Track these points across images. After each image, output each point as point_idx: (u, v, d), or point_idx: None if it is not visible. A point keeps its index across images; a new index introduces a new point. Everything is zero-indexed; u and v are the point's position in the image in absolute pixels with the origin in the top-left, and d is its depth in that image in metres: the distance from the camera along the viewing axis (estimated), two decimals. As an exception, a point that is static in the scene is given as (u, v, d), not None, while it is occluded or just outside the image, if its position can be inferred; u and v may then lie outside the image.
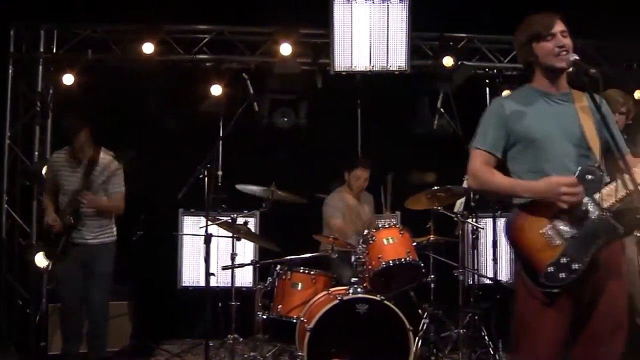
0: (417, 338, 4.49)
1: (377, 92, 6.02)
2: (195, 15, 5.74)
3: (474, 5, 5.72)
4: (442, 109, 4.96)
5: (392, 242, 4.29)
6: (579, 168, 2.41)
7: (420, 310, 4.78)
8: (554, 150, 2.46)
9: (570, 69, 2.52)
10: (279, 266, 4.54)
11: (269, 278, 4.58)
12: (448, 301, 4.85)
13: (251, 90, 4.56)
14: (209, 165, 4.23)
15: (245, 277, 5.59)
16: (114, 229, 4.48)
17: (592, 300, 2.39)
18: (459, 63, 5.65)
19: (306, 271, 4.45)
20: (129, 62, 5.52)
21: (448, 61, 5.62)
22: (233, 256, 4.55)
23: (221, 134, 5.34)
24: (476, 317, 4.74)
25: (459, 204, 4.74)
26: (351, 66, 5.57)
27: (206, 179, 4.23)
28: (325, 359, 3.90)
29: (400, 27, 5.53)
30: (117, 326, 4.99)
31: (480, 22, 5.87)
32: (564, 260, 2.35)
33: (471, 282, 4.95)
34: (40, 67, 5.69)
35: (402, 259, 4.21)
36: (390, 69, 5.57)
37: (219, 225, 4.39)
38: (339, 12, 5.51)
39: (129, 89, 5.57)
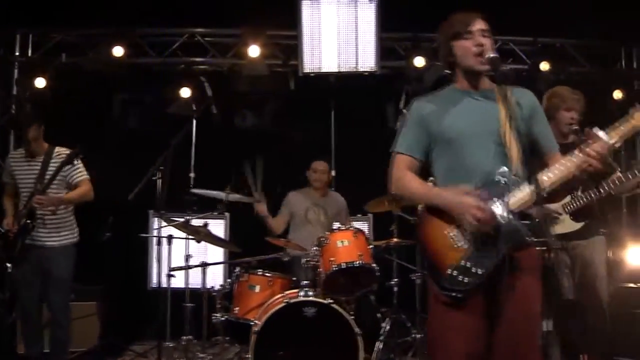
0: (377, 342, 4.45)
1: (351, 93, 5.96)
2: (168, 19, 5.77)
3: (447, 5, 5.62)
4: (405, 110, 4.87)
5: (345, 245, 4.22)
6: (489, 170, 2.33)
7: (380, 314, 4.73)
8: (472, 149, 2.39)
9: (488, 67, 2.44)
10: (237, 268, 4.54)
11: (228, 280, 4.59)
12: (412, 305, 4.78)
13: (209, 93, 4.56)
14: (162, 167, 4.25)
15: (215, 279, 5.58)
16: (75, 230, 4.33)
17: (507, 302, 2.27)
18: (431, 63, 5.57)
19: (264, 274, 4.43)
20: (102, 65, 5.57)
21: (419, 62, 5.55)
22: (187, 257, 4.56)
23: (193, 137, 5.37)
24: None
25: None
26: (320, 67, 5.53)
27: (159, 181, 4.24)
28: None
29: (369, 27, 5.47)
30: (85, 326, 5.03)
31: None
32: (467, 264, 2.26)
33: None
34: (16, 71, 5.80)
35: (355, 262, 4.14)
36: (360, 70, 5.52)
37: (174, 227, 4.38)
38: (307, 13, 5.48)
39: (101, 92, 5.63)
